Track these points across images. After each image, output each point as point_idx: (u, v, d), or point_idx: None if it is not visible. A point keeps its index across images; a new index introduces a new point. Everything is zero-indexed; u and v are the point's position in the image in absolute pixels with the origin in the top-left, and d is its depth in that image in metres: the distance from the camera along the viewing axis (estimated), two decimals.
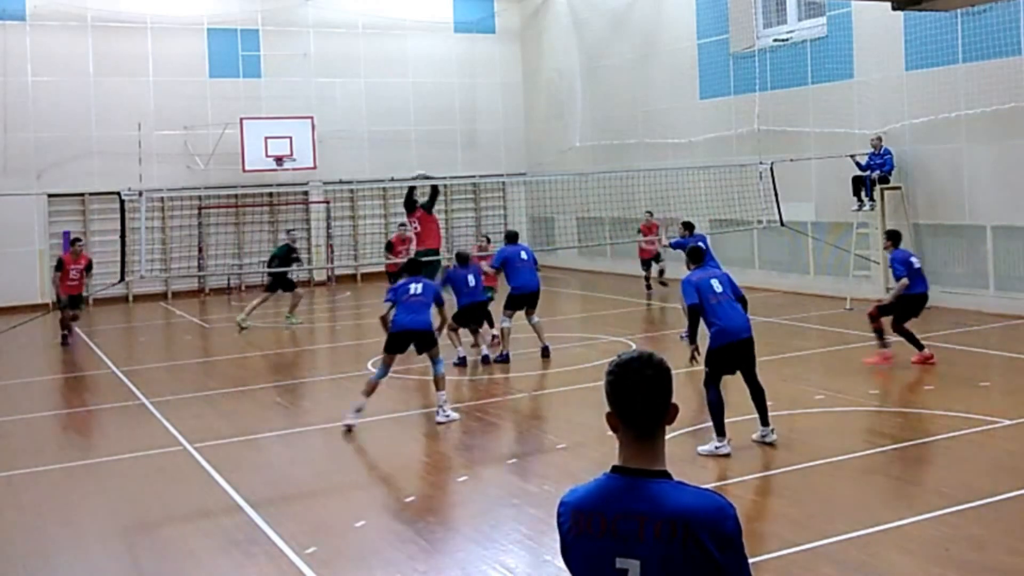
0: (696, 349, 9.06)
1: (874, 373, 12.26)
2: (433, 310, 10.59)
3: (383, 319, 10.37)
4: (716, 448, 8.64)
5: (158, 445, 10.04)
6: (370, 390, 10.13)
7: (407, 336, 10.30)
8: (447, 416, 10.28)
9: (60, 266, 16.85)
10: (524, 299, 13.58)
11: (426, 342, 10.39)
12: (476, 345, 13.74)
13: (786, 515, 7.32)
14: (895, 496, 7.61)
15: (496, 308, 14.15)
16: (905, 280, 11.93)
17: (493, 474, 8.77)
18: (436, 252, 15.30)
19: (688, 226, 15.25)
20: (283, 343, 16.69)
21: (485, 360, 13.36)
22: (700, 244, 14.61)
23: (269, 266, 18.10)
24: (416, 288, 10.37)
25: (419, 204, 15.46)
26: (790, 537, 6.74)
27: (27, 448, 10.26)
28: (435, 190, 15.91)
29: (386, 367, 10.25)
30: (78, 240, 17.40)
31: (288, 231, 19.02)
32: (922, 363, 11.98)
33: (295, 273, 19.11)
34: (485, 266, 14.19)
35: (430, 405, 11.02)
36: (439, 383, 10.36)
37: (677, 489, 2.54)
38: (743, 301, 8.98)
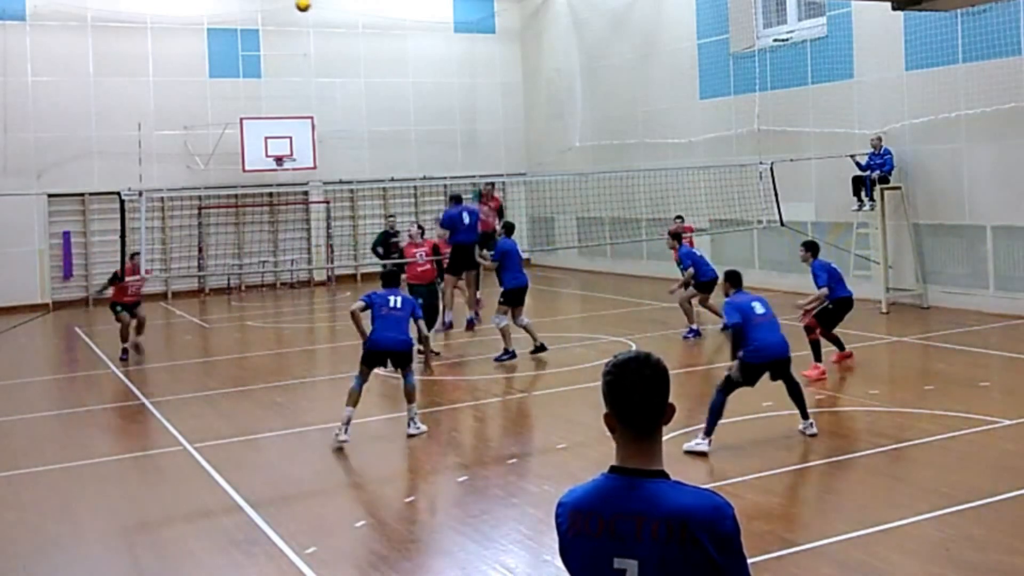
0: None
1: (875, 373, 12.27)
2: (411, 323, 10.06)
3: (355, 318, 9.80)
4: (696, 444, 8.67)
5: (158, 445, 10.04)
6: (354, 401, 9.68)
7: (384, 354, 9.81)
8: (418, 428, 9.85)
9: (117, 278, 15.28)
10: (520, 293, 13.58)
11: (403, 360, 9.86)
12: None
13: (786, 515, 7.32)
14: (895, 496, 7.61)
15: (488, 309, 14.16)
16: (825, 289, 11.93)
17: (493, 474, 8.77)
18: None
19: (506, 225, 14.68)
20: (283, 343, 16.68)
21: (470, 325, 13.75)
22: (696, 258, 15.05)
23: (374, 252, 17.58)
24: (396, 301, 9.87)
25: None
26: (790, 537, 6.74)
27: (27, 448, 10.26)
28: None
29: (363, 377, 9.81)
30: (136, 254, 15.23)
31: (388, 216, 19.11)
32: (840, 361, 12.30)
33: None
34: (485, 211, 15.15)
35: (430, 405, 11.02)
36: (410, 395, 9.86)
37: (675, 489, 2.54)
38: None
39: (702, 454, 8.62)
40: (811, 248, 12.42)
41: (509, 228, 14.31)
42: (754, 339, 8.89)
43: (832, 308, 12.07)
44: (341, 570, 6.71)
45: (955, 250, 16.38)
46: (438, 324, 13.50)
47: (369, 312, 9.86)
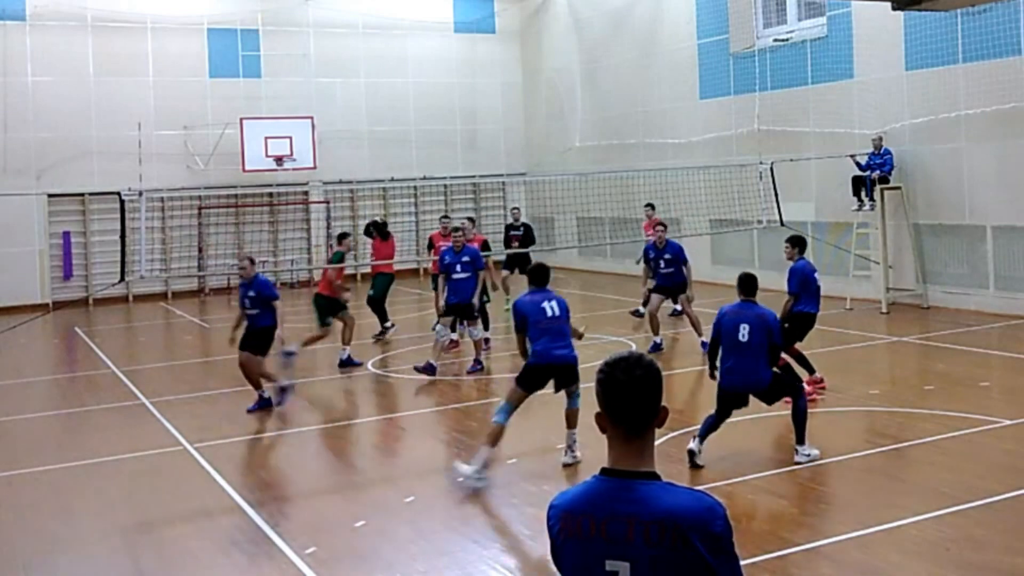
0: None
1: (875, 373, 12.27)
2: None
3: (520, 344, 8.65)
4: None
5: (158, 445, 10.04)
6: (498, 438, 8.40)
7: (554, 370, 8.56)
8: (574, 458, 8.67)
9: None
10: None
11: (572, 376, 8.63)
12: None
13: (786, 515, 7.32)
14: (895, 496, 7.61)
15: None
16: (791, 299, 10.66)
17: (493, 474, 8.76)
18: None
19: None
20: (283, 343, 16.64)
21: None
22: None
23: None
24: (552, 308, 8.49)
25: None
26: (790, 537, 6.74)
27: (27, 448, 10.26)
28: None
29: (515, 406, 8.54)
30: (347, 235, 14.98)
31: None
32: (812, 386, 10.57)
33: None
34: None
35: (430, 405, 11.01)
36: (572, 420, 8.69)
37: (666, 490, 2.53)
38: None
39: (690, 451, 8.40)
40: (797, 243, 10.78)
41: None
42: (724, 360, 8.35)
43: (788, 326, 10.30)
44: (341, 570, 6.71)
45: (955, 250, 16.38)
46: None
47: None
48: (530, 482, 8.41)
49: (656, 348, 13.57)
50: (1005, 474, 7.94)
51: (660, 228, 14.23)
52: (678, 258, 13.94)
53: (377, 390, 12.50)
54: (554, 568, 2.64)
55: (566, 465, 8.52)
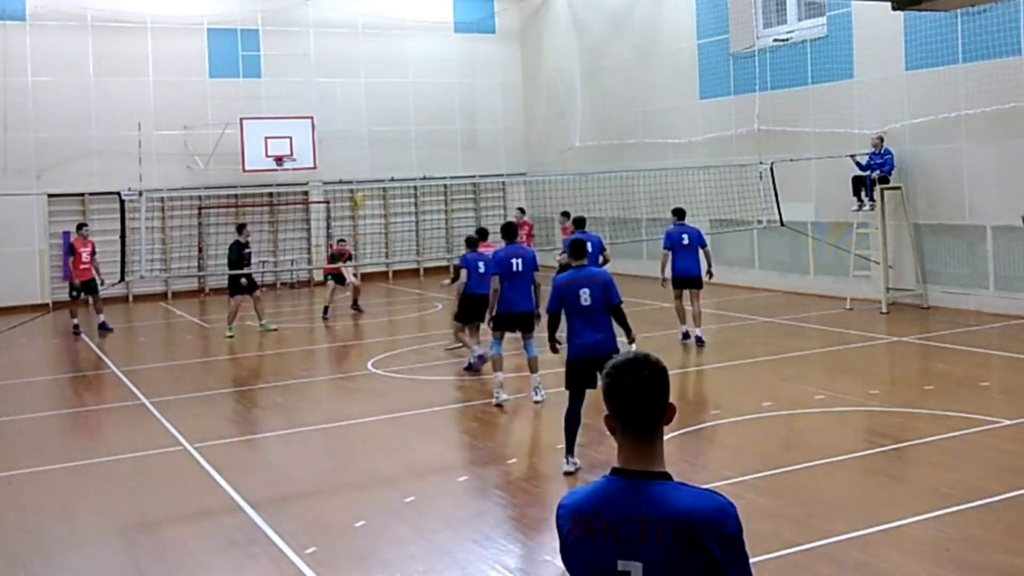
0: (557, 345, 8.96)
1: (875, 373, 12.26)
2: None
3: (494, 292, 10.78)
4: (568, 465, 8.32)
5: (158, 445, 10.04)
6: (501, 365, 10.90)
7: (516, 317, 10.83)
8: (543, 396, 10.77)
9: (71, 250, 17.86)
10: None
11: (530, 323, 10.85)
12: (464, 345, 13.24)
13: (786, 515, 7.32)
14: (895, 496, 7.61)
15: None
16: (464, 278, 12.29)
17: (493, 474, 8.77)
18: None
19: (678, 212, 14.71)
20: (283, 343, 16.68)
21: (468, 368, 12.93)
22: (684, 238, 14.30)
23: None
24: (518, 264, 10.80)
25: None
26: (790, 537, 6.73)
27: (27, 448, 10.26)
28: None
29: (499, 341, 10.96)
30: (84, 225, 18.49)
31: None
32: None
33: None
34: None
35: (430, 405, 11.02)
36: (532, 366, 10.82)
37: (678, 490, 2.54)
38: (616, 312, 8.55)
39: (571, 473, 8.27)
40: (576, 222, 12.41)
41: (579, 222, 14.31)
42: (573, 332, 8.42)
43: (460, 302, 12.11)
44: (341, 570, 6.71)
45: (955, 250, 16.38)
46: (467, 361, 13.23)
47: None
48: (530, 482, 8.42)
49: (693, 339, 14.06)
50: (1005, 474, 7.94)
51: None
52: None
53: (377, 390, 12.50)
54: (563, 565, 2.64)
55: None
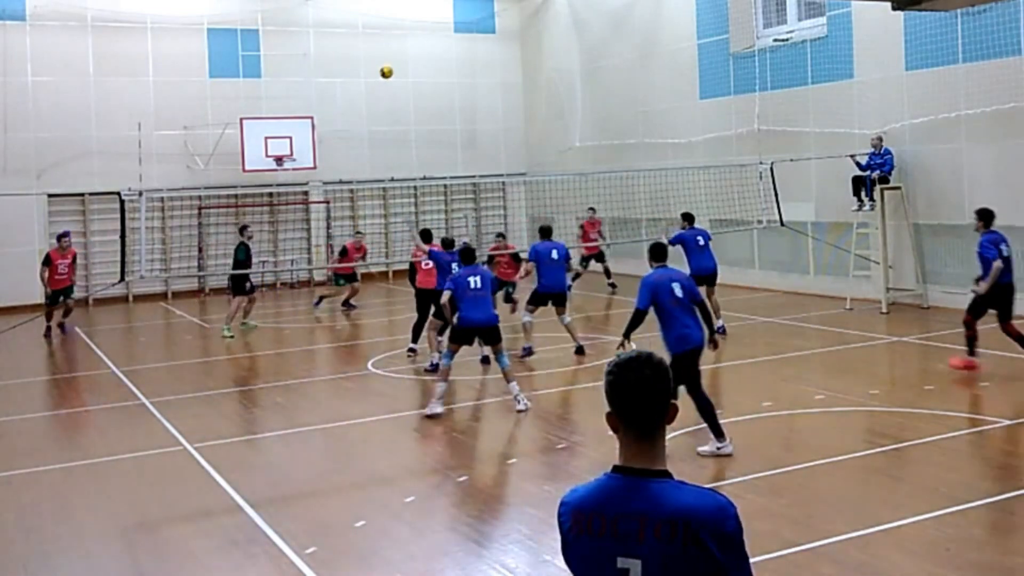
0: (627, 341, 8.90)
1: (875, 373, 12.26)
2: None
3: (449, 301, 10.78)
4: (720, 448, 8.63)
5: (158, 445, 10.04)
6: (445, 376, 10.72)
7: (477, 331, 10.84)
8: (525, 405, 10.64)
9: (47, 261, 17.63)
10: (550, 297, 13.66)
11: (495, 335, 10.80)
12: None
13: (786, 515, 7.32)
14: (895, 496, 7.61)
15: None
16: (999, 263, 11.04)
17: (493, 474, 8.77)
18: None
19: (688, 217, 15.35)
20: (283, 343, 16.69)
21: (484, 361, 13.25)
22: (699, 240, 14.82)
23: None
24: (476, 282, 10.76)
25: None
26: (790, 537, 6.74)
27: (27, 448, 10.26)
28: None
29: (452, 354, 10.82)
30: (65, 235, 18.14)
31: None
32: (963, 367, 11.35)
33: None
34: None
35: (430, 405, 11.00)
36: (507, 375, 10.74)
37: (678, 489, 2.54)
38: (701, 306, 8.86)
39: (728, 455, 8.57)
40: (984, 216, 11.55)
41: (545, 231, 14.30)
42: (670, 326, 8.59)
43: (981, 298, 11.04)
44: (341, 570, 6.71)
45: (955, 250, 16.37)
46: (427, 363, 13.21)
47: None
48: (530, 482, 8.41)
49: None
50: (1005, 474, 7.94)
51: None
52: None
53: (377, 390, 12.50)
54: (563, 565, 2.65)
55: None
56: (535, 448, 9.69)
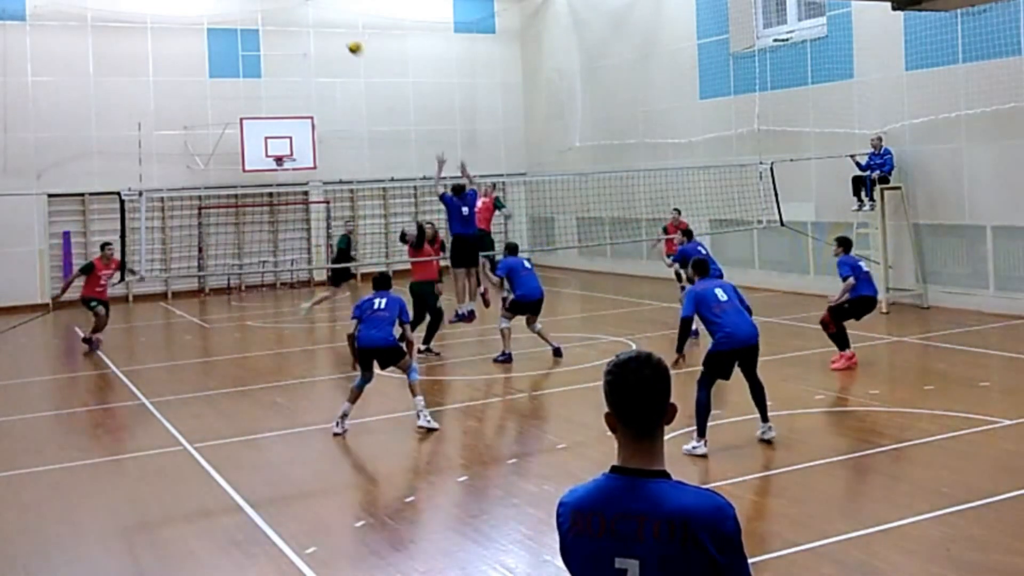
0: (682, 358, 9.07)
1: (875, 373, 12.25)
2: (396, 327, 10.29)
3: (350, 337, 10.24)
4: (693, 448, 8.63)
5: (158, 445, 10.04)
6: (352, 397, 10.12)
7: (373, 353, 10.10)
8: (428, 422, 10.02)
9: (90, 268, 16.16)
10: (528, 306, 13.64)
11: (390, 357, 10.18)
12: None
13: (786, 515, 7.32)
14: (895, 496, 7.61)
15: (493, 311, 14.19)
16: (851, 280, 12.08)
17: (493, 474, 8.77)
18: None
19: (687, 233, 15.21)
20: (283, 343, 16.69)
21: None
22: (700, 250, 14.71)
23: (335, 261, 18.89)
24: (380, 303, 10.18)
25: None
26: (790, 537, 6.74)
27: (27, 448, 10.26)
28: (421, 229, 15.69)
29: (364, 377, 10.16)
30: (108, 244, 16.33)
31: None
32: (838, 364, 12.08)
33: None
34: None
35: (430, 405, 11.00)
36: (412, 389, 10.19)
37: (676, 489, 2.54)
38: (748, 310, 9.16)
39: (702, 456, 8.61)
40: (843, 243, 12.58)
41: (511, 248, 14.28)
42: (719, 326, 8.84)
43: (848, 306, 12.16)
44: (341, 570, 6.71)
45: (955, 250, 16.38)
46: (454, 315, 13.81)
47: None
48: (530, 482, 8.41)
49: None
50: (1005, 474, 7.94)
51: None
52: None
53: (377, 390, 12.50)
54: (562, 565, 2.65)
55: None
56: (535, 448, 9.69)
